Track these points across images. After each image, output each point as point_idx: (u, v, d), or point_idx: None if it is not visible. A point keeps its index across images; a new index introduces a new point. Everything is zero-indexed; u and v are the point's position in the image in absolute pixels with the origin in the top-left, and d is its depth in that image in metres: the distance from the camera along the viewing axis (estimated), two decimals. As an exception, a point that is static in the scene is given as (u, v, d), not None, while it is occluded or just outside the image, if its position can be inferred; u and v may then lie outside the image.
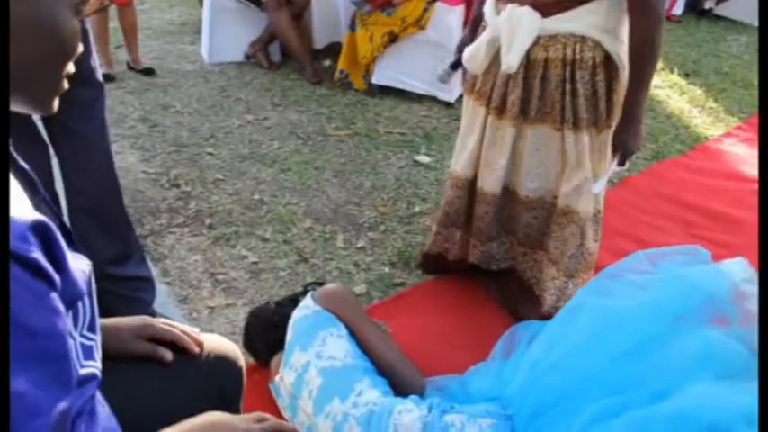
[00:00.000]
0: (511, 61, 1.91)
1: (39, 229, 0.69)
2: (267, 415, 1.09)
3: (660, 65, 4.98)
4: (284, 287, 2.40)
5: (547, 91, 1.93)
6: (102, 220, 2.04)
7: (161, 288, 2.39)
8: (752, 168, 3.45)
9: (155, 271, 2.47)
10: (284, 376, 1.77)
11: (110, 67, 4.32)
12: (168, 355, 1.17)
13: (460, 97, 4.09)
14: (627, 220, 2.95)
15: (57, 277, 0.71)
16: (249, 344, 2.00)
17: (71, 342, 0.74)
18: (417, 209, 2.95)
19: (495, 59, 2.00)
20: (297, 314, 1.83)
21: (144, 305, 2.15)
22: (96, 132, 2.00)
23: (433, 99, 4.05)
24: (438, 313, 2.32)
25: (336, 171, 3.24)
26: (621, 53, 1.89)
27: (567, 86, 1.90)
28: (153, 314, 2.10)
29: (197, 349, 1.22)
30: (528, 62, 1.92)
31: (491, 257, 2.30)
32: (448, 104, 4.02)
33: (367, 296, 2.38)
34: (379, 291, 2.40)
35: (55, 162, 2.01)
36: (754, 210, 2.82)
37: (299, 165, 3.27)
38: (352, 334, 1.78)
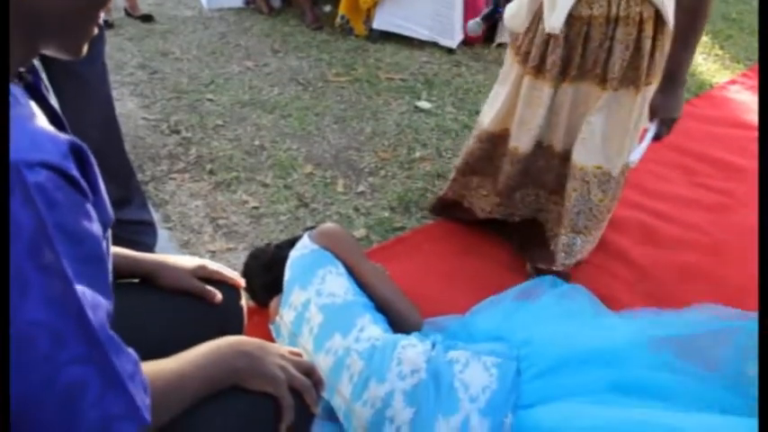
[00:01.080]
0: (554, 23, 1.85)
1: (76, 150, 0.74)
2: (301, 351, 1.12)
3: (667, 11, 4.90)
4: (285, 231, 2.42)
5: (589, 49, 1.88)
6: (103, 163, 2.03)
7: (162, 233, 2.41)
8: (756, 116, 3.42)
9: (156, 216, 2.48)
10: (284, 315, 1.79)
11: (108, 14, 4.26)
12: (218, 296, 1.26)
13: (462, 43, 4.04)
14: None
15: (91, 197, 0.76)
16: (248, 285, 2.01)
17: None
18: (417, 154, 2.94)
19: (537, 17, 1.95)
20: (294, 254, 1.84)
21: (145, 248, 2.17)
22: (97, 76, 1.99)
23: (435, 45, 4.00)
24: (437, 257, 2.34)
25: (337, 117, 3.22)
26: (669, 9, 1.81)
27: (608, 44, 1.85)
28: None
29: (242, 286, 1.34)
30: (571, 19, 1.86)
31: (514, 209, 2.31)
32: (449, 50, 3.97)
33: (366, 240, 2.39)
34: (378, 235, 2.42)
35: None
36: (757, 158, 2.81)
37: (300, 111, 3.25)
38: (350, 272, 1.80)
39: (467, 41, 4.08)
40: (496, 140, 2.20)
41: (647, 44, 1.86)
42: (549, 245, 2.25)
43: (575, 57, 1.91)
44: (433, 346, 1.58)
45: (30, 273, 0.67)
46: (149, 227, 2.23)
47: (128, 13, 4.40)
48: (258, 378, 1.01)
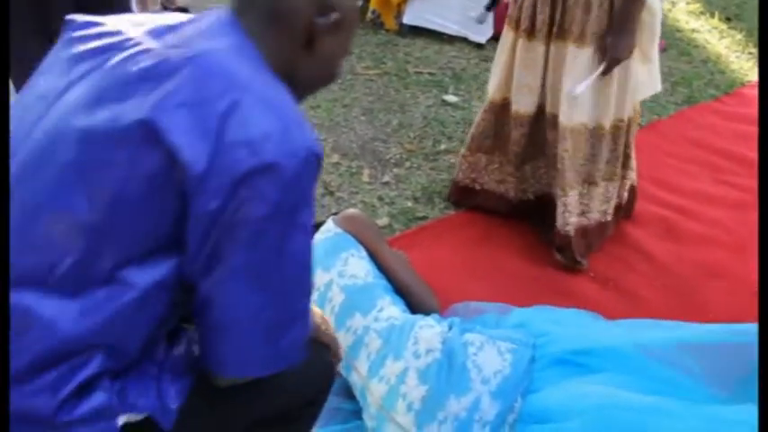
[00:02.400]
0: None
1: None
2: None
3: (700, 8, 4.85)
4: (310, 218, 2.48)
5: (567, 7, 2.04)
6: None
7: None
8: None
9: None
10: (306, 296, 1.87)
11: (145, 8, 4.38)
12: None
13: (491, 39, 4.07)
14: (652, 162, 2.94)
15: None
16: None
17: None
18: (443, 147, 2.99)
19: None
20: (318, 237, 1.91)
21: None
22: None
23: (464, 40, 4.03)
24: (458, 247, 2.38)
25: (365, 109, 3.28)
26: None
27: (585, 2, 2.00)
28: None
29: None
30: None
31: (526, 183, 2.40)
32: (479, 45, 3.99)
33: (389, 229, 2.45)
34: (401, 224, 2.48)
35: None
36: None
37: (328, 102, 3.32)
38: (371, 256, 1.87)
39: (496, 37, 4.10)
40: (498, 109, 2.31)
41: (618, 2, 1.99)
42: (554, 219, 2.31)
43: (555, 16, 2.06)
44: (450, 327, 1.64)
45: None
46: None
47: (164, 6, 4.50)
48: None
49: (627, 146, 2.31)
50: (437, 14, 4.06)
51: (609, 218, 2.36)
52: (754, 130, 3.31)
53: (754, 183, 2.84)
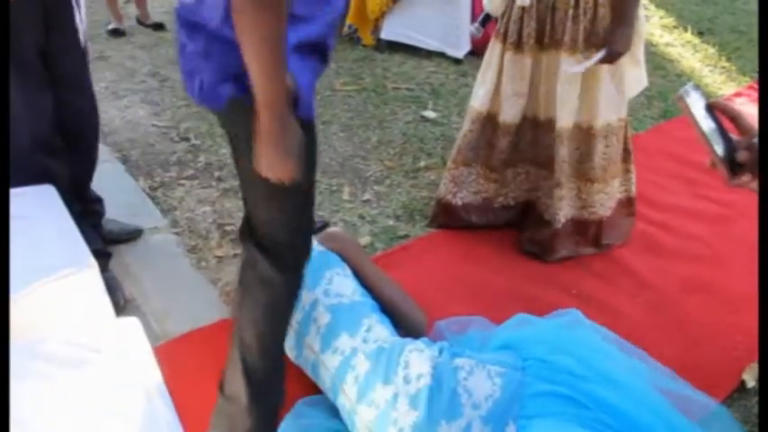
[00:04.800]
0: None
1: None
2: None
3: (673, 23, 4.92)
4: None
5: (557, 19, 2.12)
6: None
7: (170, 238, 2.46)
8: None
9: (164, 222, 2.53)
10: (290, 318, 1.83)
11: (120, 23, 4.33)
12: None
13: (469, 54, 4.08)
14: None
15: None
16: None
17: None
18: (423, 163, 2.98)
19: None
20: (302, 257, 1.88)
21: (98, 217, 2.30)
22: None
23: (442, 55, 4.04)
24: (440, 265, 2.37)
25: (344, 125, 3.26)
26: None
27: (572, 12, 2.09)
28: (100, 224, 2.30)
29: None
30: None
31: (507, 188, 2.48)
32: (456, 61, 4.00)
33: (371, 248, 2.43)
34: (383, 242, 2.45)
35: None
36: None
37: (307, 119, 3.29)
38: (356, 274, 1.84)
39: (474, 52, 4.12)
40: (485, 121, 2.37)
41: (601, 11, 2.09)
42: (544, 220, 2.41)
43: (545, 28, 2.15)
44: (440, 351, 1.61)
45: None
46: (100, 202, 2.33)
47: (139, 22, 4.46)
48: None
49: (626, 142, 2.39)
50: (415, 29, 4.06)
51: (610, 212, 2.43)
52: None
53: (732, 197, 2.87)
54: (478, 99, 2.36)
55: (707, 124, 0.95)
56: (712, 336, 2.16)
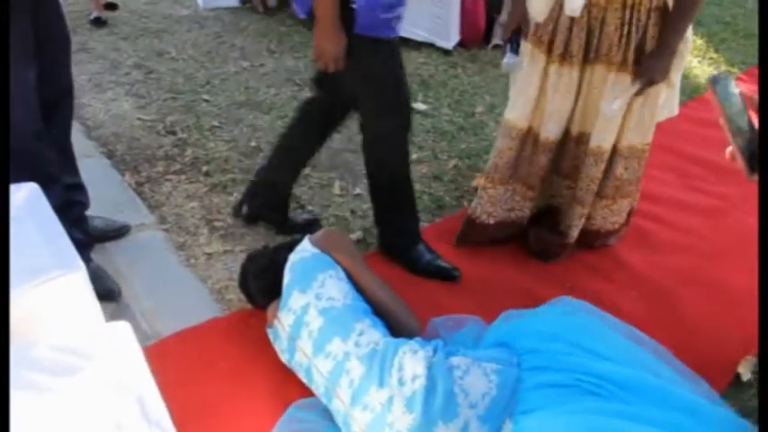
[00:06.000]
0: (575, 5, 1.95)
1: None
2: None
3: (662, 13, 4.91)
4: (281, 234, 2.41)
5: (605, 33, 1.99)
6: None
7: (158, 234, 2.41)
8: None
9: (152, 218, 2.48)
10: (282, 319, 1.79)
11: (101, 11, 4.24)
12: None
13: (458, 44, 4.04)
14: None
15: None
16: (245, 286, 2.02)
17: None
18: (414, 156, 2.93)
19: (558, 5, 2.02)
20: (294, 257, 1.84)
21: (82, 207, 2.21)
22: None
23: (431, 46, 4.00)
24: (434, 260, 2.34)
25: (333, 119, 3.21)
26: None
27: (625, 29, 1.97)
28: (86, 218, 2.21)
29: None
30: (590, 4, 1.97)
31: (539, 199, 2.40)
32: (446, 52, 3.96)
33: (363, 243, 2.39)
34: (374, 238, 2.41)
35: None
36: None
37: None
38: (350, 276, 1.81)
39: (463, 43, 4.08)
40: (524, 137, 2.23)
41: (653, 30, 1.98)
42: (560, 226, 2.36)
43: (592, 41, 2.01)
44: (435, 351, 1.59)
45: None
46: (82, 189, 2.23)
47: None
48: None
49: (641, 167, 2.30)
50: (404, 20, 4.00)
51: (616, 227, 2.41)
52: (719, 135, 3.34)
53: (725, 189, 2.87)
54: (517, 112, 2.19)
55: (734, 114, 0.92)
56: (707, 329, 2.15)
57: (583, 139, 2.21)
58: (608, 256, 2.44)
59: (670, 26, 1.96)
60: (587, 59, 2.05)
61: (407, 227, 2.30)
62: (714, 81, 0.93)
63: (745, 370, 1.98)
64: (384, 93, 2.07)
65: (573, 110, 2.16)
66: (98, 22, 4.19)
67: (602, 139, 2.14)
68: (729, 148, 0.95)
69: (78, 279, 1.49)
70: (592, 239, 2.41)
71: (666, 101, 2.21)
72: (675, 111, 2.30)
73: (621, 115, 2.11)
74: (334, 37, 1.85)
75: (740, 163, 0.93)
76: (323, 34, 1.85)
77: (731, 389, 1.95)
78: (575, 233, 2.32)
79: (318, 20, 1.83)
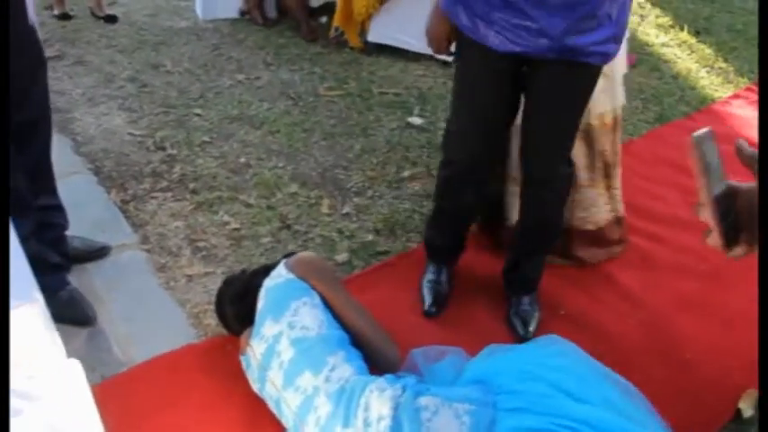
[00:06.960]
0: None
1: None
2: None
3: (669, 22, 4.80)
4: (265, 255, 2.34)
5: None
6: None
7: (139, 255, 2.35)
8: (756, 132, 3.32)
9: (134, 238, 2.42)
10: (254, 347, 1.72)
11: (63, 7, 4.25)
12: None
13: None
14: (626, 186, 2.82)
15: None
16: (221, 312, 1.95)
17: None
18: (407, 173, 2.87)
19: None
20: (269, 283, 1.77)
21: (61, 229, 2.15)
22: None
23: (431, 58, 3.92)
24: (418, 285, 2.24)
25: (326, 133, 3.15)
26: None
27: None
28: (65, 238, 2.15)
29: None
30: None
31: None
32: (445, 63, 3.88)
33: (349, 265, 2.32)
34: (361, 260, 2.34)
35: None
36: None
37: (288, 126, 3.18)
38: (326, 303, 1.73)
39: (463, 54, 4.00)
40: None
41: None
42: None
43: None
44: (404, 390, 1.50)
45: None
46: (61, 211, 2.16)
47: (92, 13, 4.34)
48: None
49: (602, 154, 2.25)
50: (402, 32, 3.94)
51: (590, 227, 2.31)
52: (726, 149, 3.22)
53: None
54: None
55: (713, 182, 0.79)
56: (707, 359, 2.06)
57: None
58: (604, 277, 2.35)
59: None
60: None
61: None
62: (697, 143, 0.79)
63: (747, 405, 1.87)
64: None
65: None
66: (64, 17, 4.23)
67: None
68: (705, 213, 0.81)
69: (33, 311, 1.43)
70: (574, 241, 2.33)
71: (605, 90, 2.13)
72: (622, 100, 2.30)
73: None
74: (433, 17, 1.86)
75: (715, 237, 0.81)
76: (430, 18, 1.87)
77: (732, 426, 1.85)
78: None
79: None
